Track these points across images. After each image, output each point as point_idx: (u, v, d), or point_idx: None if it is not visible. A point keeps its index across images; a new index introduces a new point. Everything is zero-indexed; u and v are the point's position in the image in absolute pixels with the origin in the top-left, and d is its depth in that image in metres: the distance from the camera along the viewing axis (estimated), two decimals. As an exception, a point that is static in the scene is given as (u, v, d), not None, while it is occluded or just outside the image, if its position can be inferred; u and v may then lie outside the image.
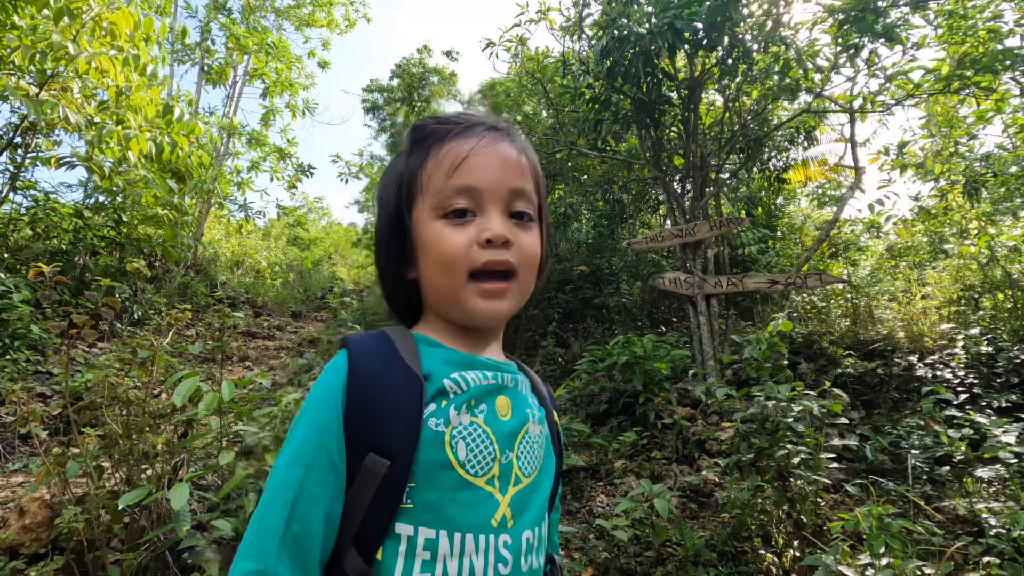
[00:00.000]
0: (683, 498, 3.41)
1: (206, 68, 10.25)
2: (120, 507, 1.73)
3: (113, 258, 6.23)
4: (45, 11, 4.46)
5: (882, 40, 4.50)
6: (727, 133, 6.00)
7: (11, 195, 5.73)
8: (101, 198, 6.39)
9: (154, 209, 6.13)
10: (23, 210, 5.86)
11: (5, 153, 5.48)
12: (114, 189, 5.94)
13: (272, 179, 10.68)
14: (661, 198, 8.09)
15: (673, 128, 5.96)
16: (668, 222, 8.29)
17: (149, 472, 2.03)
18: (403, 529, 0.63)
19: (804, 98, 6.00)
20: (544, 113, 8.53)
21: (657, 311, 7.83)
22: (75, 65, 4.76)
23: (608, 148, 6.74)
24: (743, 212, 7.93)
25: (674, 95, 5.57)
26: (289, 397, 2.20)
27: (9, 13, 4.58)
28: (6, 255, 4.91)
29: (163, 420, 2.11)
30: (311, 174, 10.71)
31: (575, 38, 5.65)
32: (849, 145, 5.64)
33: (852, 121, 5.49)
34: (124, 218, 6.05)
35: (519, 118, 7.68)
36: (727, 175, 6.54)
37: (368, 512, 0.62)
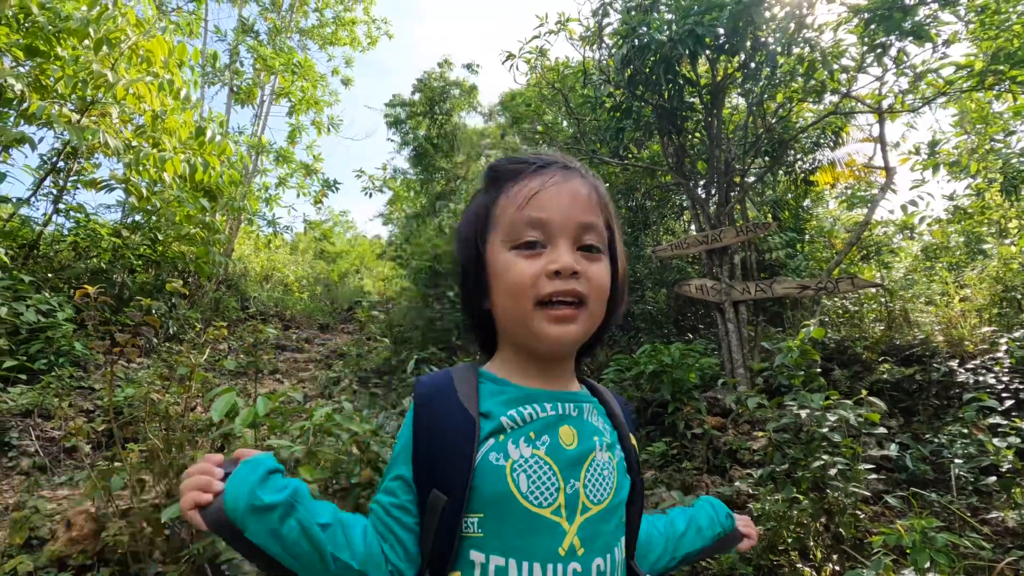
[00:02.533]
0: (716, 510, 3.34)
1: (235, 89, 10.58)
2: (164, 520, 1.78)
3: (149, 275, 6.44)
4: (86, 41, 4.67)
5: (910, 38, 4.41)
6: (751, 137, 5.93)
7: (55, 217, 5.99)
8: (138, 218, 6.62)
9: (187, 227, 6.33)
10: (66, 231, 6.12)
11: (49, 177, 5.73)
12: (150, 209, 6.16)
13: (299, 195, 10.93)
14: (685, 204, 8.01)
15: (696, 134, 5.91)
16: (693, 228, 8.21)
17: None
18: (476, 557, 0.68)
19: (830, 99, 5.90)
20: (564, 123, 8.56)
21: (683, 318, 7.73)
22: (113, 92, 4.97)
23: (630, 156, 6.72)
24: (769, 216, 7.80)
25: (696, 101, 5.53)
26: (321, 411, 2.24)
27: (53, 45, 4.82)
28: (50, 275, 5.13)
29: (201, 435, 2.17)
30: (337, 189, 10.93)
31: (595, 48, 5.67)
32: (878, 145, 5.51)
33: (881, 121, 5.37)
34: (159, 237, 6.26)
35: (540, 129, 7.71)
36: (752, 179, 6.45)
37: (435, 539, 0.69)
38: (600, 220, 0.77)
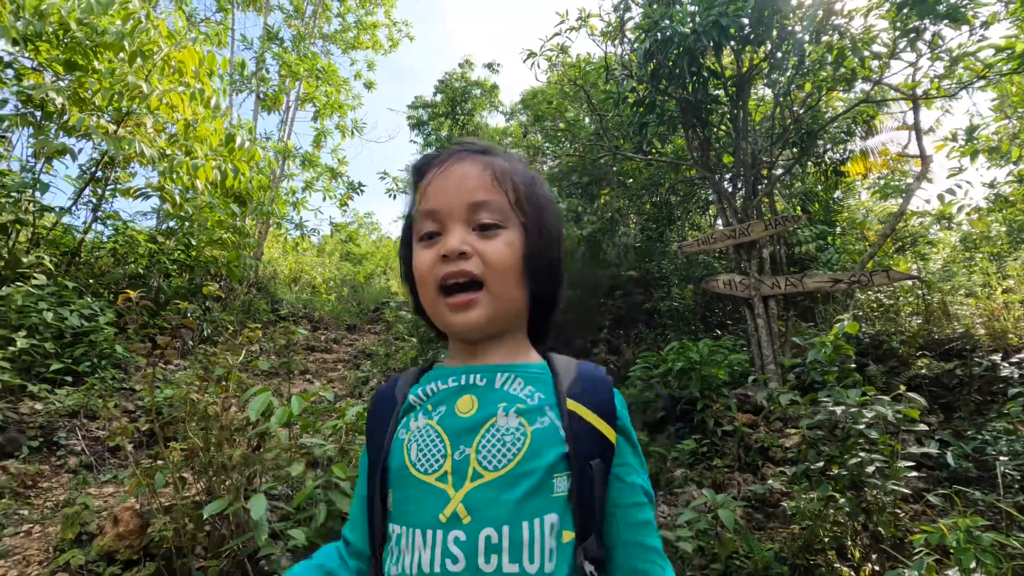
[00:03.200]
0: (748, 508, 3.29)
1: (261, 96, 10.81)
2: (205, 516, 1.84)
3: (183, 280, 6.64)
4: (121, 54, 4.83)
5: (946, 21, 4.26)
6: (778, 128, 5.80)
7: (94, 225, 6.21)
8: (172, 224, 6.83)
9: (219, 232, 6.49)
10: (105, 238, 6.35)
11: (88, 187, 5.95)
12: (183, 215, 6.35)
13: (325, 198, 11.11)
14: (710, 198, 7.89)
15: (721, 127, 5.82)
16: (719, 222, 8.08)
17: (227, 483, 2.15)
18: (392, 528, 0.72)
19: (861, 87, 5.74)
20: (587, 120, 8.51)
21: (711, 314, 7.62)
22: (147, 102, 5.13)
23: (653, 151, 6.65)
24: (798, 209, 7.63)
25: (721, 93, 5.45)
26: (352, 410, 2.28)
27: (90, 59, 5.00)
28: (91, 281, 5.32)
29: (238, 433, 2.24)
30: (362, 191, 11.08)
31: (616, 43, 5.63)
32: (913, 133, 5.34)
33: (915, 108, 5.20)
34: (193, 242, 6.44)
35: (562, 126, 7.69)
36: (780, 171, 6.31)
37: (372, 517, 0.76)
38: (497, 196, 0.75)
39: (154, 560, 2.14)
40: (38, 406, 3.77)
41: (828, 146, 6.84)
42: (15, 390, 3.76)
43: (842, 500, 2.46)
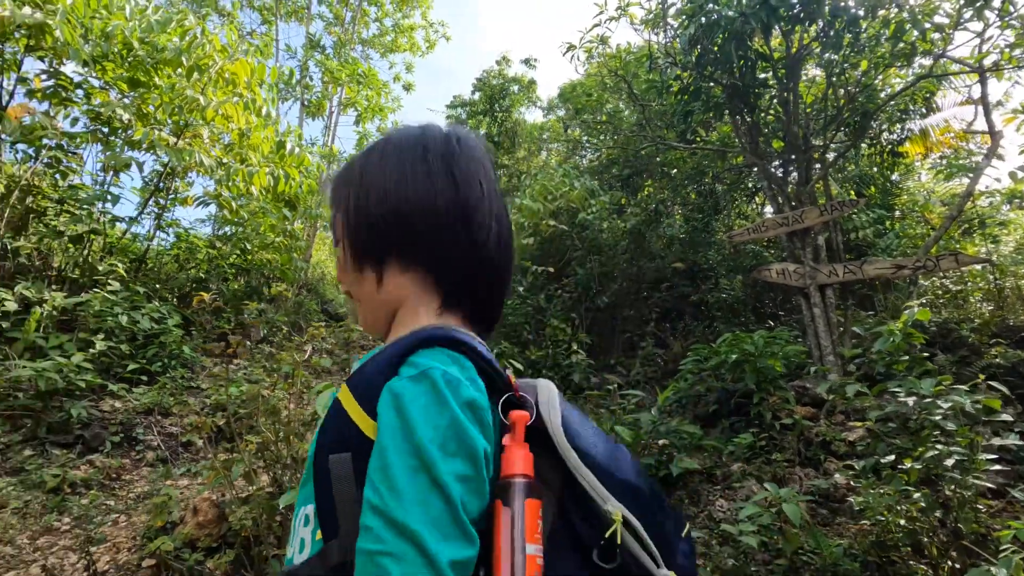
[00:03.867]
0: (812, 503, 3.19)
1: (306, 103, 11.14)
2: (281, 506, 1.93)
3: (240, 283, 6.93)
4: (179, 70, 5.07)
5: (1017, -14, 3.99)
6: (831, 110, 5.57)
7: (157, 233, 6.56)
8: (227, 230, 7.14)
9: (272, 237, 6.74)
10: (167, 245, 6.69)
11: (152, 197, 6.28)
12: (238, 221, 6.63)
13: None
14: (758, 186, 7.66)
15: (770, 111, 5.63)
16: (768, 210, 7.84)
17: (298, 475, 2.25)
18: None
19: (921, 62, 5.44)
20: (627, 111, 8.39)
21: (762, 305, 7.40)
22: (203, 114, 5.38)
23: (698, 139, 6.50)
24: (852, 193, 7.31)
25: (769, 76, 5.27)
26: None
27: (151, 75, 5.27)
28: (157, 286, 5.63)
29: (306, 428, 2.33)
30: (403, 192, 11.26)
31: (659, 30, 5.52)
32: (980, 108, 5.03)
33: (983, 81, 4.89)
34: (248, 246, 6.71)
35: (603, 117, 7.61)
36: (834, 155, 6.06)
37: None
38: (333, 215, 0.75)
39: (232, 548, 2.26)
40: (117, 404, 4.03)
41: (884, 126, 6.52)
42: (97, 389, 4.03)
43: (917, 495, 2.35)
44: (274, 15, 11.46)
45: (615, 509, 0.55)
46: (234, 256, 6.93)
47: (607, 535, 0.54)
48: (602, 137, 8.53)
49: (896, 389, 2.51)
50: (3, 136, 5.00)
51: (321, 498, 0.58)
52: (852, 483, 3.14)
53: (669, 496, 3.47)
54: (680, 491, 3.49)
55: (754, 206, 8.60)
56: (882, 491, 2.52)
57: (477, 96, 10.46)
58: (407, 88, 12.83)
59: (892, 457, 2.53)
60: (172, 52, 5.04)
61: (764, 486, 2.74)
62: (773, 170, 5.54)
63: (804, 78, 6.12)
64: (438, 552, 0.47)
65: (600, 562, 0.56)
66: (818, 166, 5.52)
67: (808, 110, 5.77)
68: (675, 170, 7.68)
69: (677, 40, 5.15)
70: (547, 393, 0.65)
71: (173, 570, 2.22)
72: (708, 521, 3.14)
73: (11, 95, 5.06)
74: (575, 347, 5.95)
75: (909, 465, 2.43)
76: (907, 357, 2.68)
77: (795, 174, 5.41)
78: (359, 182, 0.72)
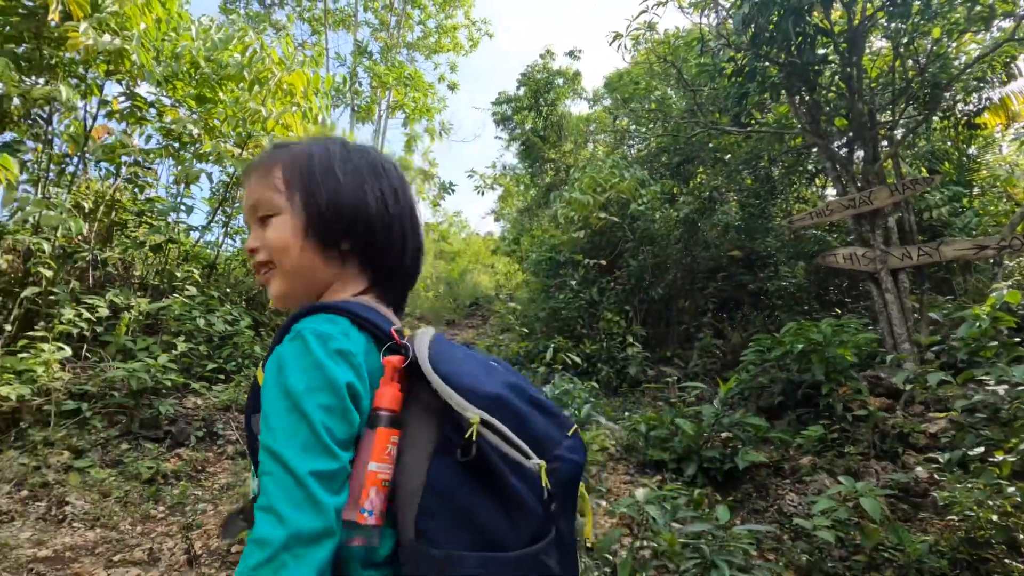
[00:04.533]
0: (890, 498, 3.05)
1: (355, 108, 11.48)
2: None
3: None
4: (241, 84, 5.34)
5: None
6: (899, 83, 5.25)
7: (225, 240, 6.94)
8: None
9: (330, 239, 7.00)
10: (233, 251, 7.07)
11: (220, 206, 6.65)
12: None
13: (419, 200, 11.60)
14: (818, 167, 7.32)
15: (831, 88, 5.37)
16: (831, 192, 7.47)
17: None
18: None
19: (1000, 24, 5.05)
20: (675, 97, 8.19)
21: (826, 293, 7.08)
22: (264, 124, 5.64)
23: (753, 122, 6.27)
24: (923, 170, 6.87)
25: (830, 51, 5.02)
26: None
27: (216, 91, 5.57)
28: (228, 290, 5.96)
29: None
30: (453, 191, 11.44)
31: (710, 12, 5.36)
32: (1072, 71, 4.62)
33: (1075, 41, 4.49)
34: (308, 249, 6.99)
35: (652, 105, 7.46)
36: (902, 130, 5.71)
37: None
38: (268, 190, 0.83)
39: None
40: (199, 401, 4.31)
41: (959, 97, 6.09)
42: (180, 388, 4.32)
43: (1011, 489, 2.21)
44: (323, 25, 11.84)
45: (472, 414, 0.66)
46: (295, 259, 7.22)
47: (466, 436, 0.66)
48: (651, 126, 8.36)
49: (984, 377, 2.36)
50: (88, 155, 5.41)
51: (252, 451, 0.75)
52: (935, 477, 2.97)
53: (736, 489, 3.40)
54: (747, 484, 3.40)
55: (814, 189, 8.21)
56: (970, 485, 2.38)
57: (522, 91, 10.47)
58: (452, 88, 13.00)
59: (981, 449, 2.38)
60: (235, 68, 5.31)
61: (838, 480, 2.64)
62: (836, 150, 5.28)
63: (868, 51, 5.79)
64: (297, 466, 0.62)
65: (460, 458, 0.66)
66: (886, 143, 5.22)
67: (873, 85, 5.46)
68: (729, 155, 7.44)
69: (729, 20, 4.98)
70: (421, 339, 0.77)
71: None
72: (778, 515, 3.05)
73: (95, 118, 5.46)
74: (630, 340, 5.89)
75: (1001, 458, 2.28)
76: (995, 343, 2.51)
77: (861, 153, 5.14)
78: (329, 175, 0.85)
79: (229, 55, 5.52)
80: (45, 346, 3.77)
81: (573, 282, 6.67)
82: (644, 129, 8.62)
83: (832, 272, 6.76)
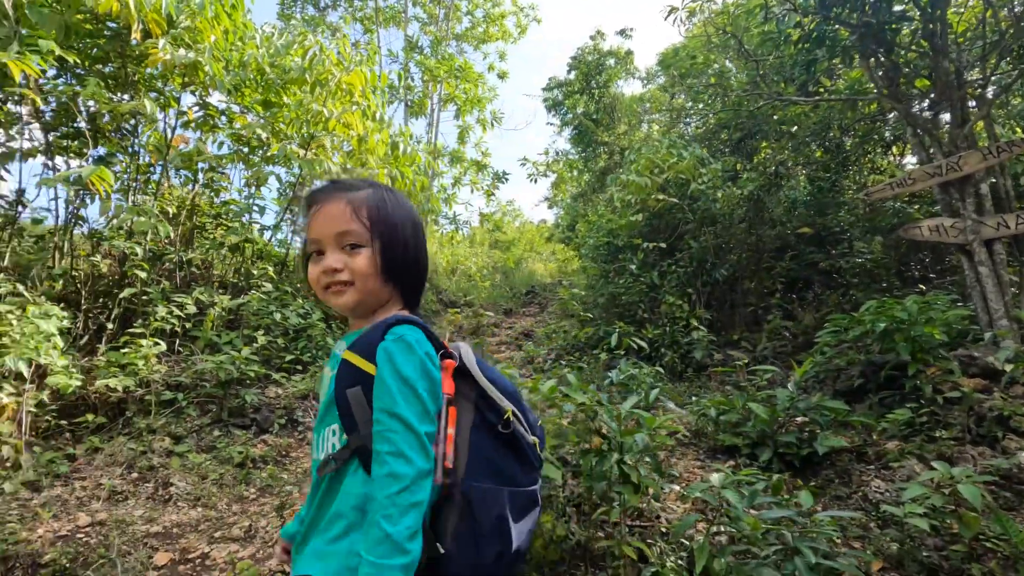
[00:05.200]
0: (990, 484, 2.85)
1: (408, 103, 11.68)
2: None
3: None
4: (304, 87, 5.55)
5: None
6: (990, 36, 4.81)
7: (291, 238, 7.29)
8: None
9: (391, 233, 7.21)
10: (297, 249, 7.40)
11: (288, 206, 6.97)
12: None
13: (472, 190, 11.73)
14: (898, 134, 6.82)
15: (912, 47, 4.98)
16: (911, 160, 6.97)
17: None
18: None
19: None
20: (734, 69, 7.83)
21: (907, 268, 6.64)
22: (326, 124, 5.85)
23: (822, 90, 5.91)
24: (1019, 131, 6.27)
25: (909, 6, 4.65)
26: (547, 384, 2.41)
27: (280, 95, 5.82)
28: (299, 285, 6.26)
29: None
30: (506, 180, 11.48)
31: (772, -23, 5.07)
32: None
33: None
34: (371, 244, 7.23)
35: (711, 79, 7.17)
36: (995, 89, 5.23)
37: None
38: (356, 224, 1.06)
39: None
40: (279, 391, 4.57)
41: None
42: (262, 378, 4.60)
43: None
44: (374, 24, 12.10)
45: (507, 406, 1.05)
46: (359, 254, 7.49)
47: (504, 418, 1.04)
48: (709, 101, 8.04)
49: (1104, 353, 2.15)
50: (169, 164, 5.80)
51: (344, 417, 1.00)
52: (1043, 463, 2.75)
53: (815, 475, 3.27)
54: (827, 470, 3.27)
55: (891, 159, 7.68)
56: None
57: (573, 75, 10.31)
58: (502, 76, 12.97)
59: (1100, 432, 2.17)
60: (296, 71, 5.52)
61: (931, 465, 2.49)
62: (918, 114, 4.90)
63: (953, 4, 5.32)
64: (417, 426, 0.93)
65: (502, 430, 1.04)
66: (974, 104, 4.80)
67: (960, 40, 5.02)
68: (796, 127, 7.06)
69: (795, -17, 4.71)
70: (466, 349, 1.10)
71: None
72: (863, 503, 2.91)
73: (173, 128, 5.84)
74: (694, 323, 5.75)
75: (1125, 441, 2.08)
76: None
77: (946, 116, 4.74)
78: (405, 218, 1.14)
79: (291, 59, 5.75)
80: (143, 341, 4.11)
81: (632, 266, 6.56)
82: (702, 105, 8.30)
83: (914, 246, 6.32)
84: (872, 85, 5.18)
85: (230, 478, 3.43)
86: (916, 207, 6.52)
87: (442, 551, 0.96)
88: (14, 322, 3.48)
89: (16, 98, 4.56)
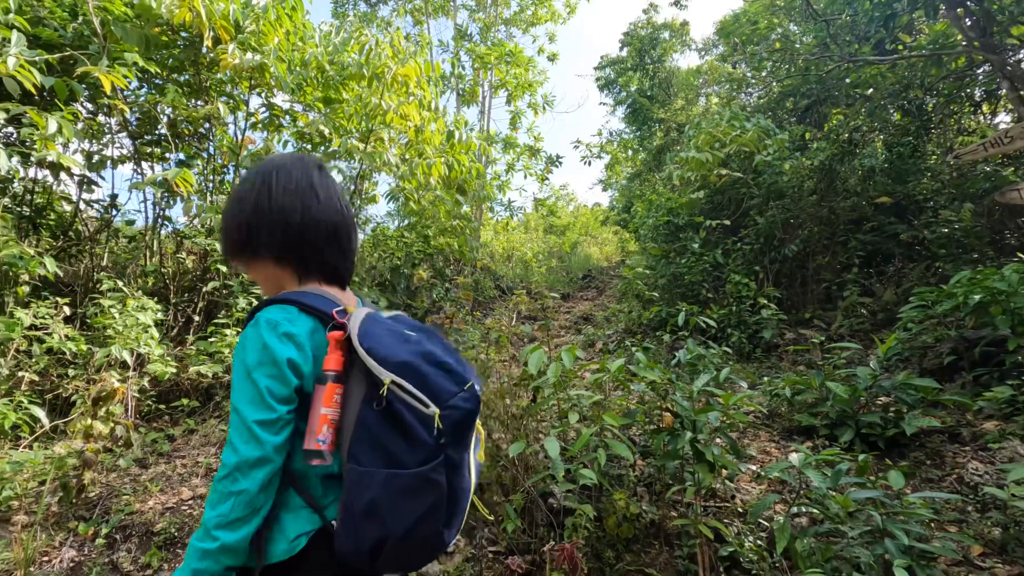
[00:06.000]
0: (1109, 467, 2.60)
1: (460, 92, 11.76)
2: (511, 455, 2.14)
3: (427, 268, 7.67)
4: (362, 82, 5.70)
5: None
6: (1104, -29, 4.29)
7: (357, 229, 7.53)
8: (409, 220, 7.91)
9: (448, 222, 7.33)
10: (365, 238, 7.66)
11: (349, 198, 7.22)
12: (418, 211, 7.31)
13: (526, 176, 11.69)
14: (989, 90, 6.24)
15: (1007, -8, 4.53)
16: (1005, 118, 6.38)
17: (515, 429, 2.46)
18: None
19: None
20: (800, 32, 7.38)
21: (1002, 236, 6.09)
22: (383, 117, 5.99)
23: (901, 47, 5.48)
24: None
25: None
26: (616, 364, 2.40)
27: (340, 91, 6.00)
28: (365, 275, 6.49)
29: (518, 387, 2.54)
30: (560, 164, 11.37)
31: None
32: None
33: None
34: (429, 233, 7.39)
35: (776, 44, 6.79)
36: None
37: None
38: (229, 244, 1.19)
39: (468, 493, 2.57)
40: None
41: None
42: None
43: None
44: (424, 15, 12.21)
45: (385, 377, 0.95)
46: (418, 243, 7.69)
47: (381, 392, 0.95)
48: (773, 68, 7.63)
49: None
50: (240, 164, 6.12)
51: None
52: None
53: (903, 457, 3.09)
54: (916, 451, 3.09)
55: (981, 118, 7.03)
56: None
57: (625, 52, 10.03)
58: (552, 59, 12.80)
59: None
60: (354, 67, 5.67)
61: (1038, 445, 2.30)
62: (1015, 65, 4.46)
63: (1056, -61, 4.77)
64: (248, 414, 0.94)
65: (375, 407, 0.96)
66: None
67: (1065, -21, 4.52)
68: (871, 90, 6.59)
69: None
70: (355, 318, 1.03)
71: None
72: (958, 485, 2.73)
73: (243, 130, 6.16)
74: (763, 301, 5.53)
75: None
76: None
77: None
78: (230, 202, 1.17)
79: (348, 55, 5.91)
80: (227, 331, 4.39)
81: (695, 245, 6.37)
82: (765, 73, 7.89)
83: (1010, 211, 5.79)
84: (959, 37, 4.75)
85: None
86: (1011, 169, 5.96)
87: (334, 527, 0.99)
88: (116, 315, 3.81)
89: (106, 109, 4.94)
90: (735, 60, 8.44)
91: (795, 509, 2.42)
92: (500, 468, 2.58)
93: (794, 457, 2.17)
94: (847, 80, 6.50)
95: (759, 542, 2.30)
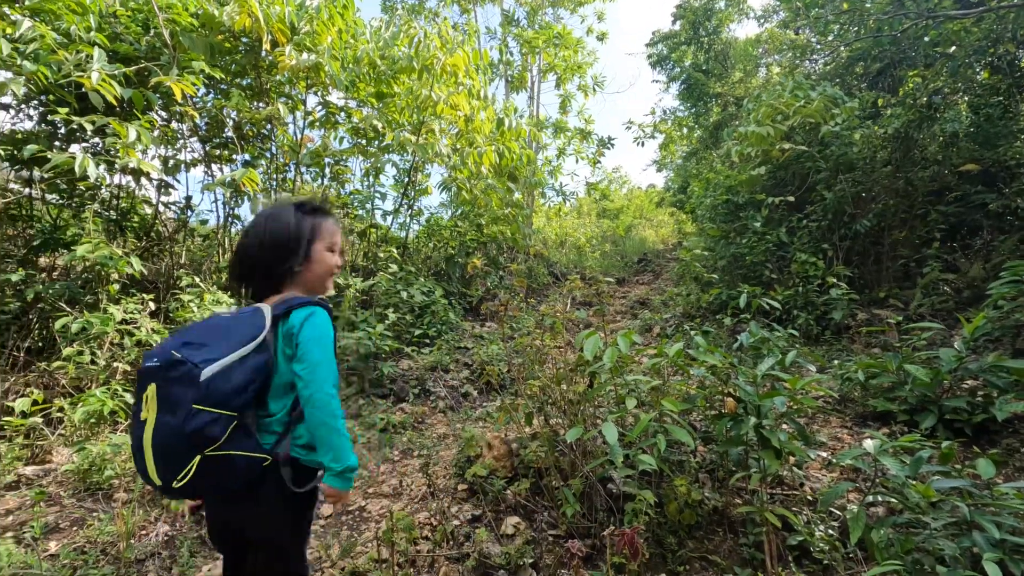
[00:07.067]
0: None
1: (508, 79, 11.71)
2: (569, 440, 2.15)
3: (480, 256, 7.75)
4: (412, 75, 5.78)
5: None
6: None
7: (410, 221, 7.70)
8: (462, 209, 8.00)
9: (501, 210, 7.36)
10: (414, 231, 7.82)
11: (403, 191, 7.37)
12: (470, 200, 7.38)
13: (577, 160, 11.55)
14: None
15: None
16: (1116, 69, 5.70)
17: (572, 414, 2.46)
18: None
19: None
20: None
21: (1111, 202, 5.47)
22: (434, 109, 6.06)
23: (989, -2, 4.99)
24: None
25: None
26: (675, 348, 2.34)
27: (391, 86, 6.12)
28: (420, 265, 6.64)
29: (574, 372, 2.53)
30: (612, 146, 11.14)
31: None
32: None
33: None
34: (482, 222, 7.45)
35: (844, 6, 6.34)
36: None
37: None
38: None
39: (527, 477, 2.60)
40: (411, 363, 4.92)
41: None
42: (395, 352, 4.97)
43: None
44: (471, 2, 12.20)
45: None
46: (471, 232, 7.78)
47: None
48: (841, 32, 7.13)
49: None
50: (300, 162, 6.37)
51: None
52: None
53: (993, 444, 2.87)
54: (1009, 439, 2.86)
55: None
56: None
57: (678, 25, 9.65)
58: (600, 38, 12.50)
59: None
60: (404, 60, 5.77)
61: None
62: None
63: None
64: (335, 368, 1.48)
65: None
66: None
67: None
68: (953, 47, 6.05)
69: None
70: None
71: (482, 492, 2.66)
72: (1058, 475, 2.51)
73: (301, 129, 6.40)
74: (832, 281, 5.24)
75: None
76: None
77: None
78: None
79: (398, 49, 6.01)
80: (294, 322, 4.62)
81: (756, 224, 6.11)
82: (831, 37, 7.39)
83: (1123, 175, 5.19)
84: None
85: (375, 441, 3.78)
86: None
87: None
88: (195, 309, 4.08)
89: (178, 116, 5.26)
90: (798, 26, 7.94)
91: (870, 498, 2.31)
92: (558, 453, 2.59)
93: (869, 443, 2.06)
94: (925, 38, 5.99)
95: (831, 532, 2.21)
